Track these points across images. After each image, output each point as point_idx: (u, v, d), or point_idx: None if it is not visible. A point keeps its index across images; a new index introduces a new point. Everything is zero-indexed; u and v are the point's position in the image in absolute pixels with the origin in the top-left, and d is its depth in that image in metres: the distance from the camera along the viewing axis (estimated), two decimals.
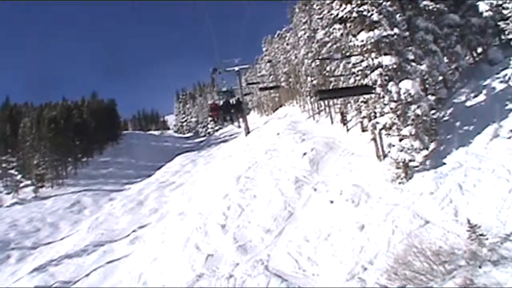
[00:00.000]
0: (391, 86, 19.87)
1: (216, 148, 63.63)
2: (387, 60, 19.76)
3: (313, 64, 39.49)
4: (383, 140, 24.29)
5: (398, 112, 19.97)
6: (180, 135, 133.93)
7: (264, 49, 76.07)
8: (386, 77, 19.99)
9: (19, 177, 67.36)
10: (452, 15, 25.00)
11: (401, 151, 20.04)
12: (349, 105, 33.30)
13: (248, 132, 52.84)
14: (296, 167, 29.09)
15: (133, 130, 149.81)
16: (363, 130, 30.44)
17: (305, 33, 40.36)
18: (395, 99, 19.83)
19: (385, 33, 19.94)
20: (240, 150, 42.99)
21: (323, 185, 25.35)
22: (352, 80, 25.30)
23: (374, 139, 24.60)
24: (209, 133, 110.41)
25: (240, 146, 46.59)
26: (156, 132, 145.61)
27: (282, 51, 63.76)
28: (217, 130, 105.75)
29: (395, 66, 19.82)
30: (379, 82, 20.05)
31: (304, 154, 30.41)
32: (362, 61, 20.79)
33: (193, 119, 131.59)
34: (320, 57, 28.00)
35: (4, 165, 68.15)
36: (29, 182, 65.02)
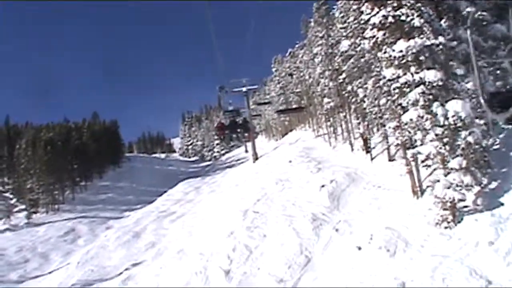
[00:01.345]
0: (437, 108, 16.05)
1: (221, 175, 59.58)
2: (432, 76, 16.00)
3: (330, 84, 35.70)
4: (420, 173, 20.36)
5: (445, 140, 16.07)
6: (186, 159, 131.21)
7: (273, 69, 72.22)
8: (430, 96, 16.20)
9: (13, 200, 64.17)
10: (498, 25, 21.32)
11: (449, 188, 16.08)
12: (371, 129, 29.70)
13: (256, 158, 49.04)
14: (312, 202, 25.03)
15: (138, 152, 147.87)
16: (390, 159, 26.55)
17: (321, 49, 36.58)
18: (441, 123, 15.98)
19: (428, 42, 16.23)
20: (247, 179, 39.09)
21: (346, 225, 21.26)
22: (383, 101, 21.48)
23: (410, 172, 20.60)
24: (215, 157, 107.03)
25: (248, 173, 42.70)
26: (161, 155, 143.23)
27: (294, 71, 59.93)
28: (223, 154, 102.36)
29: (440, 83, 16.05)
30: (421, 102, 16.23)
31: (322, 186, 26.43)
32: (399, 76, 17.00)
33: (199, 142, 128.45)
34: None
35: None
36: (23, 206, 61.70)
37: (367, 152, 29.74)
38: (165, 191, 55.39)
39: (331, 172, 28.57)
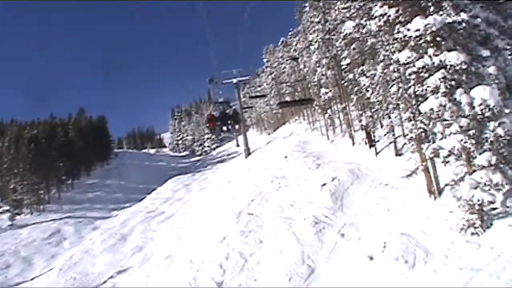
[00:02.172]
0: (460, 95, 13.75)
1: (212, 171, 57.21)
2: (454, 58, 13.67)
3: (328, 72, 33.33)
4: (436, 169, 18.11)
5: (471, 132, 13.77)
6: (176, 154, 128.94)
7: (265, 60, 69.50)
8: (452, 82, 13.88)
9: None
10: None
11: (476, 188, 13.79)
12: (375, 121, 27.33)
13: (248, 153, 46.73)
14: (313, 202, 22.71)
15: (128, 148, 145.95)
16: (397, 154, 24.29)
17: (317, 36, 34.04)
18: (466, 113, 13.68)
19: (449, 19, 13.89)
20: (239, 176, 36.79)
21: (352, 229, 18.98)
22: (394, 89, 19.14)
23: (426, 169, 18.32)
24: (205, 151, 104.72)
25: (240, 170, 40.43)
26: (151, 151, 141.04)
27: (287, 60, 56.97)
28: (214, 149, 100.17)
29: (464, 67, 13.72)
30: (442, 89, 13.91)
31: (323, 185, 24.10)
32: (415, 60, 14.65)
33: (189, 137, 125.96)
34: None
35: None
36: (7, 207, 59.05)
37: (371, 146, 27.48)
38: (154, 189, 53.16)
39: (332, 169, 26.27)
